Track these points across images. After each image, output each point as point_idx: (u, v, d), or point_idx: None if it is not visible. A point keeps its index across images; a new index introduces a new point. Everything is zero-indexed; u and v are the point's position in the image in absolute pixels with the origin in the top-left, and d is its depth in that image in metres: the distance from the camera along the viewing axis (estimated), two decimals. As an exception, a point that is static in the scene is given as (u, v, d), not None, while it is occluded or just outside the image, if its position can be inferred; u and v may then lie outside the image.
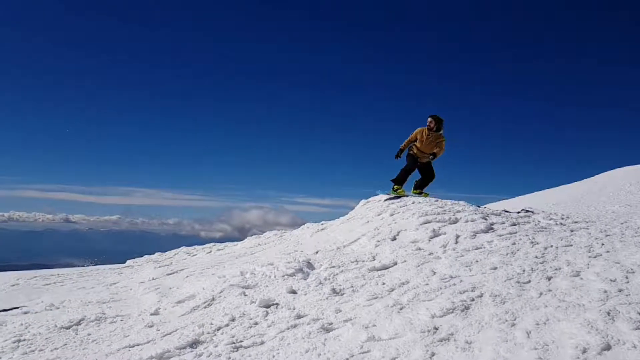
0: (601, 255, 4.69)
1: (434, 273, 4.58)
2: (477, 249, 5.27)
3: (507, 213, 7.11)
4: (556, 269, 4.33)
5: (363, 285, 4.53)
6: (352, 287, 4.54)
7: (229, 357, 3.24)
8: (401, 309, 3.78)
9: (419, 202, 7.40)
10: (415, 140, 8.29)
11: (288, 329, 3.67)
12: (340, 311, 3.93)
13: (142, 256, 9.73)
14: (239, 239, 9.97)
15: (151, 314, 4.45)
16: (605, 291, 3.63)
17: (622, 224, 6.53)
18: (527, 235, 5.61)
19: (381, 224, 6.74)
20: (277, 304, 4.27)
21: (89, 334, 3.98)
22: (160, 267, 7.06)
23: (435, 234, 5.88)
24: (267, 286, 4.79)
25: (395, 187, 8.48)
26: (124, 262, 9.25)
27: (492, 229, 5.95)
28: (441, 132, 8.21)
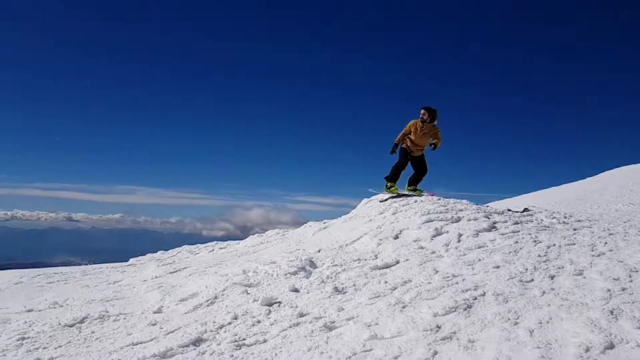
0: (604, 254, 4.68)
1: (437, 272, 4.58)
2: (479, 247, 5.26)
3: (509, 212, 7.10)
4: (559, 268, 4.33)
5: (365, 284, 4.53)
6: (354, 285, 4.54)
7: (232, 355, 3.25)
8: (403, 307, 3.78)
9: (422, 201, 7.40)
10: (410, 133, 8.15)
11: (290, 327, 3.68)
12: (343, 310, 3.94)
13: (144, 255, 9.76)
14: (241, 237, 9.99)
15: (154, 312, 4.47)
16: (609, 290, 3.63)
17: (625, 222, 6.52)
18: (529, 234, 5.60)
19: (383, 222, 6.74)
20: (280, 303, 4.27)
21: (93, 332, 3.99)
22: (163, 265, 7.08)
23: (438, 233, 5.88)
24: (269, 284, 4.80)
25: (388, 184, 8.40)
26: (127, 261, 9.27)
27: (494, 227, 5.94)
28: (435, 122, 8.08)
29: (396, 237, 6.04)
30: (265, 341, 3.48)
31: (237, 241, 9.56)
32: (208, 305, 4.45)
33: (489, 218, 6.28)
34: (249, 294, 4.57)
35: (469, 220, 6.22)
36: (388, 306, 3.82)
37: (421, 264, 4.86)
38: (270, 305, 4.22)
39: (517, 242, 5.32)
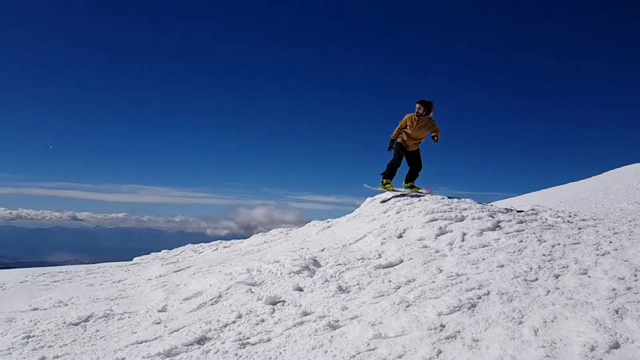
0: (609, 253, 4.66)
1: (441, 271, 4.57)
2: (483, 246, 5.25)
3: (511, 211, 7.08)
4: (564, 267, 4.31)
5: (369, 283, 4.53)
6: (358, 284, 4.54)
7: (236, 354, 3.26)
8: (407, 306, 3.77)
9: (425, 200, 7.39)
10: (405, 127, 8.04)
11: (294, 326, 3.68)
12: (347, 308, 3.94)
13: (148, 253, 9.79)
14: (245, 236, 10.00)
15: (158, 311, 4.48)
16: (614, 289, 3.62)
17: (630, 221, 6.49)
18: (534, 233, 5.58)
19: (387, 221, 6.74)
20: (284, 301, 4.28)
21: (97, 331, 4.01)
22: (167, 264, 7.10)
23: (442, 232, 5.87)
24: (273, 283, 4.80)
25: (384, 181, 8.34)
26: (131, 260, 9.30)
27: (499, 226, 5.93)
28: (431, 115, 7.95)
29: (400, 236, 6.03)
30: (269, 340, 3.49)
31: (241, 240, 9.57)
32: (212, 304, 4.45)
33: (493, 217, 6.27)
34: (253, 292, 4.57)
35: (473, 219, 6.21)
36: (392, 305, 3.82)
37: (425, 263, 4.85)
38: (274, 304, 4.22)
39: (521, 241, 5.31)
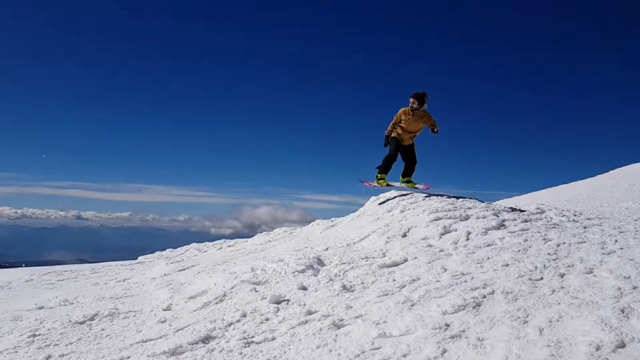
0: (615, 252, 4.64)
1: (445, 270, 4.57)
2: (488, 245, 5.24)
3: (516, 210, 7.05)
4: (569, 266, 4.30)
5: (373, 282, 4.53)
6: (362, 283, 4.54)
7: (241, 353, 3.26)
8: (412, 305, 3.77)
9: (430, 199, 7.38)
10: (400, 122, 7.98)
11: (299, 325, 3.69)
12: (351, 307, 3.94)
13: (153, 252, 9.82)
14: (249, 235, 10.01)
15: (163, 310, 4.49)
16: (619, 288, 3.60)
17: (636, 220, 6.46)
18: (539, 232, 5.57)
19: (391, 220, 6.73)
20: (288, 300, 4.28)
21: (103, 329, 4.03)
22: (171, 263, 7.12)
23: (446, 231, 5.86)
24: (277, 282, 4.81)
25: (378, 175, 8.28)
26: (136, 259, 9.33)
27: (503, 225, 5.91)
28: (424, 106, 7.84)
29: (404, 235, 6.03)
30: (273, 339, 3.49)
31: (245, 239, 9.58)
32: (217, 303, 4.46)
33: (497, 216, 6.25)
34: (257, 291, 4.58)
35: (478, 218, 6.19)
36: (396, 304, 3.82)
37: (429, 262, 4.85)
38: (279, 303, 4.23)
39: (526, 240, 5.29)
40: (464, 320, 3.38)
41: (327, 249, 6.09)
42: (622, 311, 3.19)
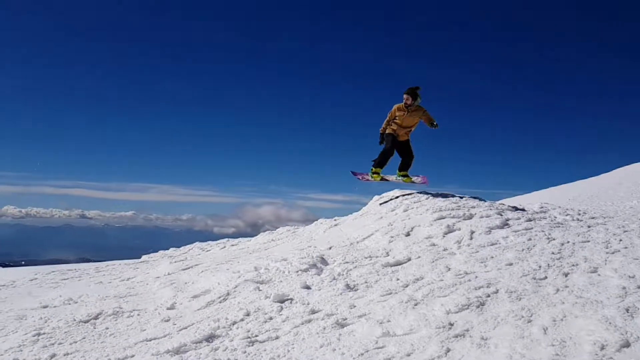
0: (619, 251, 4.63)
1: (449, 269, 4.56)
2: (492, 244, 5.23)
3: (519, 209, 7.04)
4: (573, 265, 4.29)
5: (377, 281, 4.53)
6: (366, 282, 4.53)
7: (245, 352, 3.27)
8: (416, 304, 3.77)
9: (433, 198, 7.37)
10: (395, 118, 7.92)
11: (302, 324, 3.69)
12: (355, 306, 3.94)
13: (157, 251, 9.84)
14: (252, 234, 10.03)
15: (167, 309, 4.50)
16: (624, 287, 3.59)
17: (640, 219, 6.43)
18: (543, 231, 5.55)
19: (395, 219, 6.72)
20: (292, 299, 4.28)
21: (107, 328, 4.04)
22: (175, 262, 7.13)
23: (450, 230, 5.85)
24: (281, 281, 4.81)
25: (373, 169, 8.21)
26: (140, 258, 9.35)
27: (507, 224, 5.90)
28: (418, 101, 7.79)
29: (408, 234, 6.02)
30: (277, 338, 3.49)
31: (248, 238, 9.59)
32: (220, 302, 4.47)
33: (501, 215, 6.24)
34: (260, 290, 4.58)
35: (481, 217, 6.18)
36: (400, 303, 3.82)
37: (433, 261, 4.84)
38: (282, 302, 4.23)
39: (530, 239, 5.28)
40: (467, 319, 3.38)
41: (330, 248, 6.09)
42: (627, 310, 3.18)
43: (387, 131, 8.05)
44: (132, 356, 3.37)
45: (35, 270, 7.49)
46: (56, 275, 6.88)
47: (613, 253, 4.57)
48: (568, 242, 5.07)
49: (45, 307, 4.79)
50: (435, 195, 7.60)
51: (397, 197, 7.94)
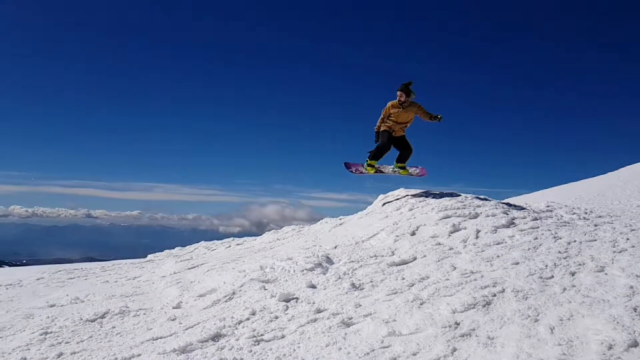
0: (626, 250, 4.60)
1: (455, 268, 4.55)
2: (498, 244, 5.21)
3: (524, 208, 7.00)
4: (580, 264, 4.27)
5: (382, 280, 4.52)
6: (371, 281, 4.53)
7: (251, 351, 3.27)
8: (421, 304, 3.76)
9: (438, 197, 7.35)
10: (390, 116, 7.85)
11: (308, 323, 3.69)
12: (360, 306, 3.93)
13: (162, 251, 9.88)
14: (257, 234, 10.05)
15: (173, 308, 4.51)
16: (631, 287, 3.57)
17: (647, 218, 6.39)
18: (549, 230, 5.53)
19: (400, 218, 6.71)
20: (297, 299, 4.29)
21: (114, 327, 4.05)
22: (181, 261, 7.15)
23: (455, 229, 5.83)
24: (286, 280, 4.81)
25: (368, 161, 8.14)
26: (145, 257, 9.39)
27: (513, 223, 5.88)
28: (412, 96, 7.71)
29: (413, 234, 6.01)
30: (283, 337, 3.50)
31: (253, 237, 9.61)
32: (226, 301, 4.48)
33: (507, 214, 6.21)
34: (266, 290, 4.59)
35: (487, 216, 6.16)
36: (406, 303, 3.81)
37: (439, 261, 4.83)
38: (288, 301, 4.23)
39: (536, 238, 5.26)
40: (474, 318, 3.37)
41: (335, 247, 6.09)
42: (635, 310, 3.16)
43: (382, 128, 7.98)
44: (139, 355, 3.39)
45: (42, 269, 7.53)
46: (62, 274, 6.91)
47: (620, 252, 4.55)
48: (575, 241, 5.05)
49: (52, 306, 4.82)
50: (441, 195, 7.58)
51: (402, 196, 7.93)
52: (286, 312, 3.97)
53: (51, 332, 3.92)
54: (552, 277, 4.04)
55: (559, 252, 4.69)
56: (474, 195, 7.54)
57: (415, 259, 5.06)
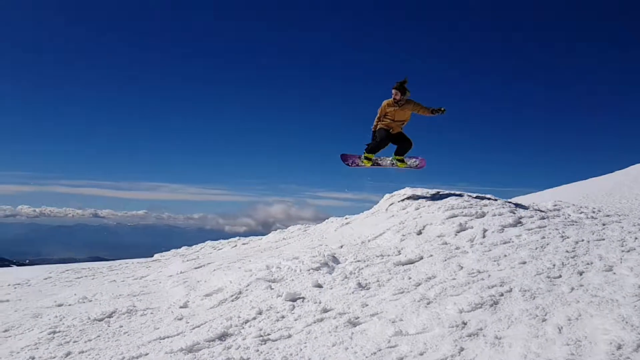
0: (635, 249, 4.57)
1: (461, 267, 4.54)
2: (505, 243, 5.19)
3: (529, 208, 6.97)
4: (588, 264, 4.24)
5: (389, 280, 4.52)
6: (377, 281, 4.52)
7: (258, 350, 3.28)
8: (428, 303, 3.75)
9: (445, 196, 7.33)
10: (386, 115, 7.79)
11: (315, 322, 3.69)
12: (367, 305, 3.93)
13: (169, 250, 9.91)
14: (263, 233, 10.05)
15: (180, 307, 4.53)
16: (640, 286, 3.54)
17: (656, 217, 6.34)
18: (557, 229, 5.50)
19: (406, 217, 6.70)
20: (303, 298, 4.29)
21: (121, 326, 4.07)
22: (187, 260, 7.17)
23: (462, 228, 5.81)
24: (292, 280, 4.81)
25: (365, 154, 8.08)
26: (152, 256, 9.43)
27: (520, 222, 5.85)
28: (407, 94, 7.61)
29: (419, 233, 6.00)
30: (289, 336, 3.50)
31: (259, 237, 9.62)
32: (233, 301, 4.49)
33: (514, 213, 6.19)
34: (272, 289, 4.59)
35: (494, 215, 6.13)
36: (412, 302, 3.80)
37: (445, 260, 4.82)
38: (294, 300, 4.23)
39: (543, 237, 5.23)
40: (481, 318, 3.35)
41: (341, 247, 6.09)
42: (644, 309, 3.14)
43: (379, 127, 7.92)
44: (146, 354, 3.40)
45: (49, 268, 7.58)
46: (70, 274, 6.96)
47: (629, 251, 4.51)
48: (582, 240, 5.02)
49: (60, 305, 4.85)
50: (447, 194, 7.56)
51: (408, 196, 7.91)
52: (292, 312, 3.97)
53: (59, 332, 3.95)
54: (560, 276, 4.02)
55: (567, 251, 4.66)
56: (481, 195, 7.51)
57: (421, 258, 5.05)
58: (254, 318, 3.91)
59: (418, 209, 6.95)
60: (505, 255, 4.73)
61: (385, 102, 7.79)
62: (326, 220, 9.15)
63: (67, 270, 7.26)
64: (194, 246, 9.83)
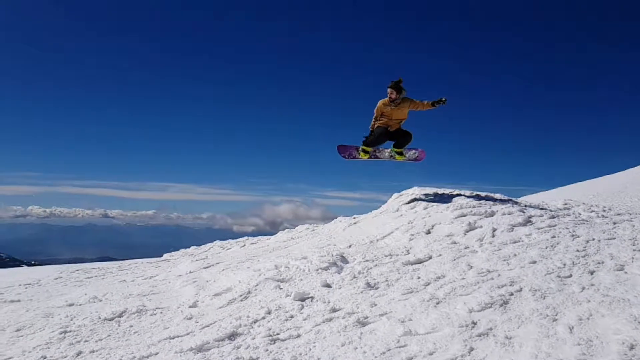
0: (646, 248, 4.52)
1: (471, 267, 4.51)
2: (515, 242, 5.15)
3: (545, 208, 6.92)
4: (599, 263, 4.20)
5: (398, 279, 4.51)
6: (386, 281, 4.52)
7: (267, 350, 3.28)
8: (438, 303, 3.74)
9: (454, 195, 7.30)
10: (382, 114, 7.70)
11: (323, 322, 3.69)
12: (376, 305, 3.92)
13: (178, 250, 9.95)
14: (271, 233, 10.06)
15: (190, 307, 4.55)
16: (653, 286, 3.51)
17: (668, 216, 6.27)
18: (567, 229, 5.45)
19: (415, 217, 6.68)
20: (312, 298, 4.29)
21: (131, 326, 4.10)
22: (196, 260, 7.20)
23: (471, 228, 5.78)
24: (301, 280, 4.82)
25: (362, 147, 8.00)
26: (161, 256, 9.47)
27: (530, 222, 5.81)
28: (403, 93, 7.52)
29: (428, 232, 5.98)
30: (298, 336, 3.50)
31: (267, 236, 9.62)
32: (242, 300, 4.50)
33: (524, 212, 6.15)
34: (281, 289, 4.60)
35: (503, 214, 6.10)
36: (422, 302, 3.79)
37: (454, 259, 4.80)
38: (303, 300, 4.24)
39: (554, 236, 5.19)
40: (491, 318, 3.34)
41: (350, 246, 6.08)
42: (656, 309, 3.10)
43: (376, 125, 7.82)
44: (156, 354, 3.42)
45: (60, 268, 7.65)
46: (80, 273, 7.01)
47: (640, 250, 4.47)
48: (593, 239, 4.97)
49: (70, 305, 4.89)
50: (456, 193, 7.53)
51: (416, 195, 7.89)
52: (301, 312, 3.98)
53: (70, 331, 3.99)
54: (571, 276, 3.99)
55: (577, 250, 4.62)
56: (490, 194, 7.47)
57: (430, 257, 5.03)
58: (263, 318, 3.92)
59: (427, 208, 6.93)
60: (515, 255, 4.70)
61: (381, 102, 7.69)
62: (334, 219, 9.14)
63: (77, 270, 7.32)
64: (203, 246, 9.87)
